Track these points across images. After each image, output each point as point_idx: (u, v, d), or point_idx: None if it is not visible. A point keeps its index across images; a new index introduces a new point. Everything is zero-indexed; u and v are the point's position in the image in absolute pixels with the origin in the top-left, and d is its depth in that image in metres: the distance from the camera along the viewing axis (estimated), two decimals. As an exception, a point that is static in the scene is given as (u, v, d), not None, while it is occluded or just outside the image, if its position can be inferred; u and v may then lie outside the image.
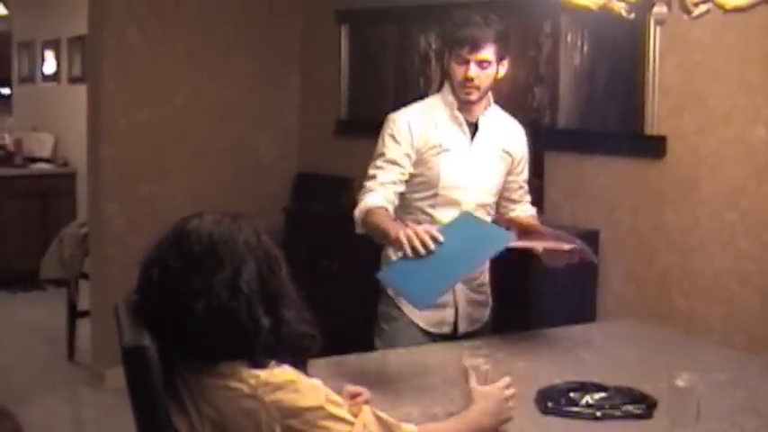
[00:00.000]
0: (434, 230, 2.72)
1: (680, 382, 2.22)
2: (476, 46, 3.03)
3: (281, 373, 1.91)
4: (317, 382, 1.96)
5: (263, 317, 1.93)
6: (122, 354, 1.96)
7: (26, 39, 9.10)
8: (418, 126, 3.13)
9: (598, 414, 2.36)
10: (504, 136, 3.24)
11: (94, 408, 5.27)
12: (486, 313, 3.35)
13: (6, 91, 9.53)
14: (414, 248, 2.67)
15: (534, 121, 4.64)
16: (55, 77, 8.67)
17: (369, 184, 3.11)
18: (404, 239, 2.69)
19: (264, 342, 1.93)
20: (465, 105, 3.14)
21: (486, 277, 3.34)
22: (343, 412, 1.92)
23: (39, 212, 8.04)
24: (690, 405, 2.23)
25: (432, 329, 3.20)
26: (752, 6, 2.49)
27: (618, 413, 2.37)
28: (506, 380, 2.24)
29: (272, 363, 1.93)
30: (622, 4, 2.56)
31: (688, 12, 2.48)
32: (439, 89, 3.26)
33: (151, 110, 5.53)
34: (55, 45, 8.58)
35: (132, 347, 1.93)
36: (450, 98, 3.16)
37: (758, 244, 3.85)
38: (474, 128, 3.18)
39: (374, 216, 3.00)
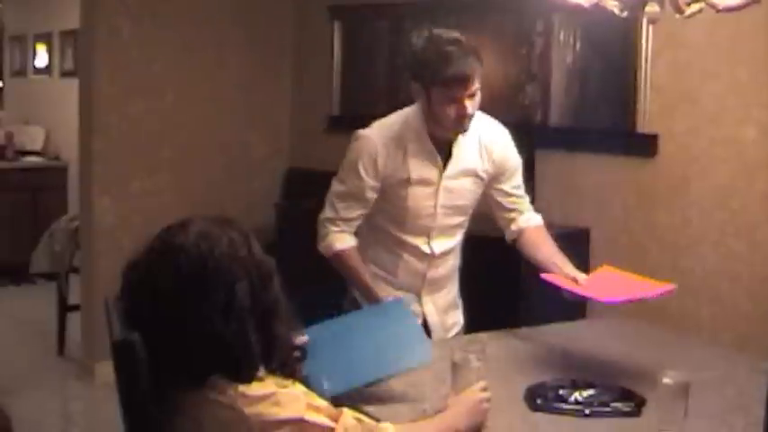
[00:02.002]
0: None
1: (668, 380, 2.22)
2: (468, 83, 2.81)
3: (261, 385, 1.90)
4: (298, 391, 1.95)
5: (254, 342, 1.90)
6: (112, 348, 1.95)
7: (18, 32, 9.08)
8: (385, 158, 2.94)
9: (587, 411, 2.37)
10: (480, 153, 3.03)
11: (84, 401, 5.27)
12: (458, 316, 3.27)
13: (-2, 84, 9.53)
14: None
15: (526, 118, 4.65)
16: (46, 71, 8.65)
17: (330, 215, 3.03)
18: None
19: (254, 363, 1.91)
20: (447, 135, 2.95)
21: (454, 277, 3.24)
22: (323, 419, 1.91)
23: (29, 206, 8.02)
24: (678, 403, 2.23)
25: None
26: (744, 6, 2.49)
27: (607, 410, 2.37)
28: (482, 383, 2.24)
29: (257, 374, 1.92)
30: (615, 3, 2.55)
31: (680, 11, 2.47)
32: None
33: (143, 104, 5.53)
34: (47, 38, 8.56)
35: (122, 342, 1.92)
36: (422, 127, 2.95)
37: (748, 244, 3.85)
38: (448, 152, 3.00)
39: (351, 258, 3.02)
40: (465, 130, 2.93)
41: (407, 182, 2.97)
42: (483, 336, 3.09)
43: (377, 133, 2.98)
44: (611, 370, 2.72)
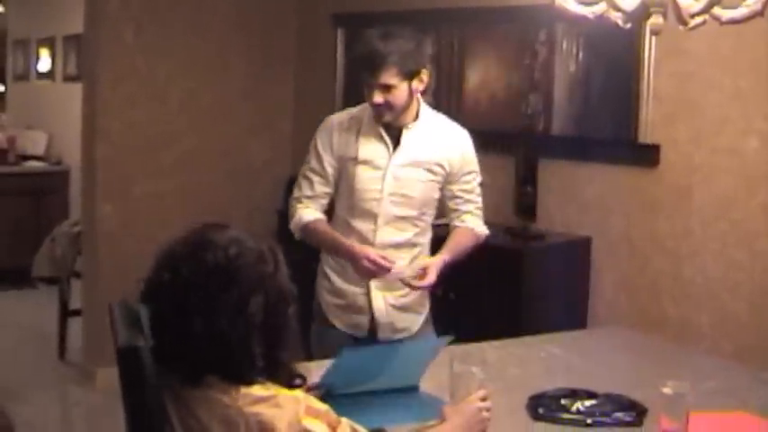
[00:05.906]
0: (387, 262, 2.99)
1: (669, 390, 2.23)
2: (374, 70, 2.98)
3: (263, 388, 1.91)
4: (298, 394, 1.96)
5: (258, 355, 1.91)
6: (117, 354, 1.96)
7: (21, 36, 9.09)
8: (338, 137, 3.15)
9: (588, 421, 2.38)
10: (434, 148, 3.15)
11: (85, 407, 5.27)
12: (417, 321, 3.27)
13: (0, 88, 9.52)
14: (369, 273, 3.02)
15: (528, 127, 4.66)
16: (49, 75, 8.66)
17: (297, 195, 3.19)
18: (364, 265, 2.99)
19: (254, 372, 1.92)
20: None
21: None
22: (320, 426, 1.92)
23: (31, 210, 8.02)
24: (679, 413, 2.24)
25: (351, 332, 3.22)
26: (747, 18, 2.50)
27: (608, 420, 2.38)
28: (481, 392, 2.21)
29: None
30: (619, 14, 2.56)
31: (684, 23, 2.48)
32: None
33: (146, 110, 5.53)
34: (50, 43, 8.58)
35: (127, 347, 1.93)
36: (371, 111, 3.12)
37: (749, 253, 3.86)
38: (398, 140, 3.13)
39: (318, 227, 3.15)
40: (381, 121, 3.07)
41: (355, 160, 3.11)
42: (484, 345, 3.10)
43: (337, 114, 3.23)
44: (613, 379, 2.73)
